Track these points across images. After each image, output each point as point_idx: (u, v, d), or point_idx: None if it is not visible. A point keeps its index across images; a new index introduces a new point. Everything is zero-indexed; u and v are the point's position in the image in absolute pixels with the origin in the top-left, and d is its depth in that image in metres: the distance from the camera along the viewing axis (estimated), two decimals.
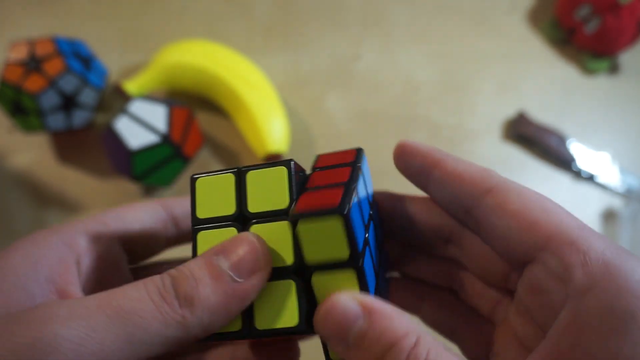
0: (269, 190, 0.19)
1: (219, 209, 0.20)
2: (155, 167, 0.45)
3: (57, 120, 0.46)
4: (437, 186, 0.21)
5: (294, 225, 0.18)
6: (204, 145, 0.51)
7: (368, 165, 0.23)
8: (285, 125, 0.50)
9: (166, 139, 0.44)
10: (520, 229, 0.18)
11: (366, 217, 0.20)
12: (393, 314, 0.17)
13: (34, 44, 0.46)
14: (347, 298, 0.18)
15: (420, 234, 0.23)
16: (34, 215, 0.49)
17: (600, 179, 0.53)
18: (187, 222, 0.23)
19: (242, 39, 0.56)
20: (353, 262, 0.18)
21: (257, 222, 0.19)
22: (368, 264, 0.19)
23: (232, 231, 0.19)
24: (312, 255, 0.18)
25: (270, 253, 0.19)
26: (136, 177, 0.45)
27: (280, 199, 0.19)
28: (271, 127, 0.49)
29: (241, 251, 0.18)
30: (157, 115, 0.44)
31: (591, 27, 0.55)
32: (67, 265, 0.19)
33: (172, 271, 0.18)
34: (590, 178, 0.53)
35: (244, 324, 0.19)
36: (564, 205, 0.19)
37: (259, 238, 0.19)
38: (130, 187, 0.50)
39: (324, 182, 0.20)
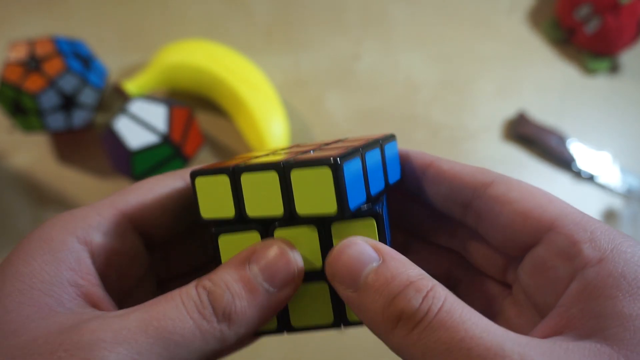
0: (316, 192, 0.18)
1: (263, 210, 0.19)
2: (155, 167, 0.45)
3: (57, 120, 0.46)
4: (432, 185, 0.21)
5: (285, 175, 0.18)
6: (204, 145, 0.51)
7: (397, 152, 0.22)
8: (285, 125, 0.50)
9: (166, 139, 0.44)
10: (526, 214, 0.19)
11: (374, 189, 0.20)
12: (407, 261, 0.17)
13: (33, 43, 0.46)
14: (362, 241, 0.18)
15: (442, 195, 0.22)
16: (34, 215, 0.49)
17: (601, 179, 0.53)
18: None
19: (242, 39, 0.56)
20: (372, 212, 0.19)
21: (280, 226, 0.19)
22: (387, 225, 0.19)
23: (255, 236, 0.19)
24: (302, 207, 0.18)
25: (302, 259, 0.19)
26: (136, 177, 0.45)
27: (327, 202, 0.18)
28: (271, 127, 0.49)
29: (275, 261, 0.18)
30: (157, 115, 0.44)
31: (591, 27, 0.55)
32: (87, 266, 0.18)
33: (207, 284, 0.17)
34: (590, 178, 0.53)
35: (280, 323, 0.20)
36: None
37: (291, 246, 0.19)
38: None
39: (337, 147, 0.20)
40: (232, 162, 0.20)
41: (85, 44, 0.50)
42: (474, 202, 0.20)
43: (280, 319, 0.20)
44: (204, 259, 0.25)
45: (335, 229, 0.19)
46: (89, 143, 0.51)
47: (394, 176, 0.22)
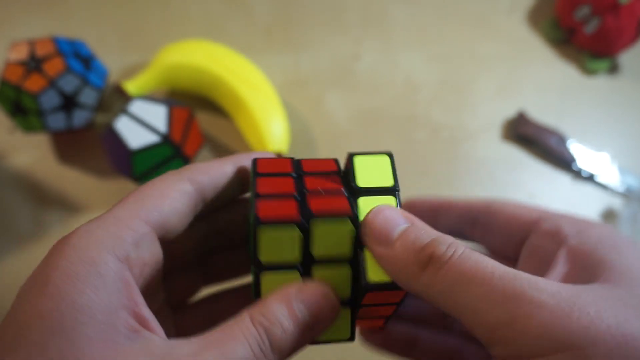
0: (334, 237, 0.21)
1: (283, 255, 0.21)
2: (156, 167, 0.45)
3: (57, 120, 0.46)
4: (445, 219, 0.26)
5: (305, 227, 0.21)
6: (204, 145, 0.51)
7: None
8: (285, 125, 0.50)
9: (166, 139, 0.44)
10: (517, 215, 0.24)
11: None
12: (429, 226, 0.21)
13: (34, 44, 0.46)
14: (392, 207, 0.21)
15: (454, 219, 0.27)
16: (34, 215, 0.49)
17: (600, 179, 0.53)
18: (212, 193, 0.23)
19: (242, 39, 0.56)
20: (393, 191, 0.22)
21: (318, 264, 0.21)
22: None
23: (295, 275, 0.21)
24: (319, 250, 0.21)
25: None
26: (136, 177, 0.45)
27: (344, 246, 0.21)
28: (271, 127, 0.49)
29: (321, 304, 0.20)
30: (157, 115, 0.44)
31: (591, 27, 0.55)
32: (131, 286, 0.19)
33: (264, 322, 0.19)
34: (590, 178, 0.53)
35: None
36: (564, 205, 0.25)
37: (332, 292, 0.21)
38: (130, 187, 0.50)
39: (322, 186, 0.23)
40: (285, 203, 0.22)
41: (85, 44, 0.50)
42: (480, 219, 0.25)
43: None
44: (205, 251, 0.26)
45: (361, 201, 0.22)
46: (89, 143, 0.51)
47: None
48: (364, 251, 0.21)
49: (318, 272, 0.21)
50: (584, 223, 0.21)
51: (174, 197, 0.22)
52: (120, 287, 0.18)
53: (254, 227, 0.20)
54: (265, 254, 0.21)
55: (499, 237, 0.24)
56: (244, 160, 0.24)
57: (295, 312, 0.19)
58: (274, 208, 0.21)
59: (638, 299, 0.17)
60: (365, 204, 0.22)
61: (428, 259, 0.19)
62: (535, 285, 0.17)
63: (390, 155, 0.23)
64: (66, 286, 0.17)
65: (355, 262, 0.22)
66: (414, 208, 0.27)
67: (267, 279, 0.21)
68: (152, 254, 0.21)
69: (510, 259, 0.24)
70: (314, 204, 0.21)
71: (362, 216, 0.22)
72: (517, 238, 0.23)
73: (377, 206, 0.21)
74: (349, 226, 0.21)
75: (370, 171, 0.23)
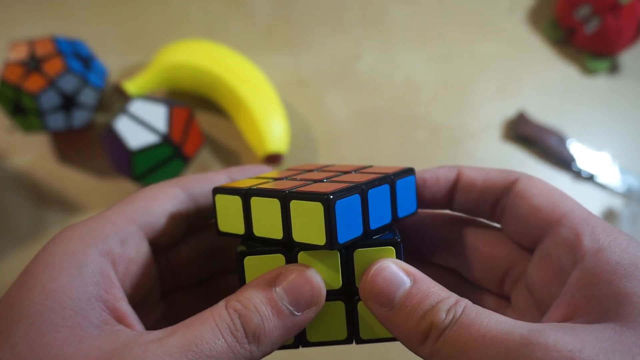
0: (310, 223, 0.20)
1: (267, 232, 0.21)
2: (155, 167, 0.45)
3: (57, 120, 0.46)
4: (464, 194, 0.24)
5: (286, 203, 0.20)
6: (204, 145, 0.51)
7: (414, 187, 0.23)
8: (285, 125, 0.50)
9: (166, 139, 0.44)
10: (540, 208, 0.21)
11: (376, 224, 0.21)
12: (432, 281, 0.19)
13: (34, 43, 0.46)
14: (393, 264, 0.20)
15: (474, 200, 0.24)
16: (34, 215, 0.49)
17: (600, 179, 0.53)
18: (206, 201, 0.23)
19: (242, 39, 0.56)
20: (392, 241, 0.20)
21: (303, 250, 0.20)
22: (402, 252, 0.21)
23: (279, 258, 0.20)
24: (298, 235, 0.20)
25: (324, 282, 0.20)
26: (136, 177, 0.45)
27: (318, 234, 0.19)
28: (271, 127, 0.49)
29: (300, 286, 0.19)
30: (157, 115, 0.44)
31: (591, 27, 0.55)
32: (111, 279, 0.19)
33: (238, 305, 0.18)
34: (590, 178, 0.53)
35: (296, 338, 0.21)
36: None
37: (315, 272, 0.20)
38: (130, 187, 0.50)
39: (347, 179, 0.21)
40: (249, 183, 0.22)
41: (85, 44, 0.50)
42: (502, 200, 0.23)
43: (297, 334, 0.21)
44: (208, 270, 0.25)
45: (357, 254, 0.20)
46: (89, 143, 0.51)
47: (407, 209, 0.23)
48: (357, 304, 0.21)
49: (304, 258, 0.20)
50: (606, 238, 0.19)
51: (163, 199, 0.22)
52: (98, 279, 0.18)
53: (213, 196, 0.21)
54: (222, 223, 0.21)
55: (517, 226, 0.22)
56: (238, 173, 0.24)
57: (274, 298, 0.19)
58: (236, 184, 0.22)
59: None
60: (361, 257, 0.20)
61: (429, 327, 0.18)
62: (528, 341, 0.16)
63: (325, 205, 0.19)
64: (42, 275, 0.17)
65: (345, 249, 0.20)
66: (426, 185, 0.24)
67: (250, 264, 0.20)
68: (138, 252, 0.21)
69: (526, 249, 0.22)
70: (281, 184, 0.21)
71: (358, 272, 0.20)
72: (534, 233, 0.21)
73: (377, 263, 0.20)
74: (320, 210, 0.19)
75: (306, 222, 0.20)
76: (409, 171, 0.23)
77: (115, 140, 0.44)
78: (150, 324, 0.19)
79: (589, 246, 0.19)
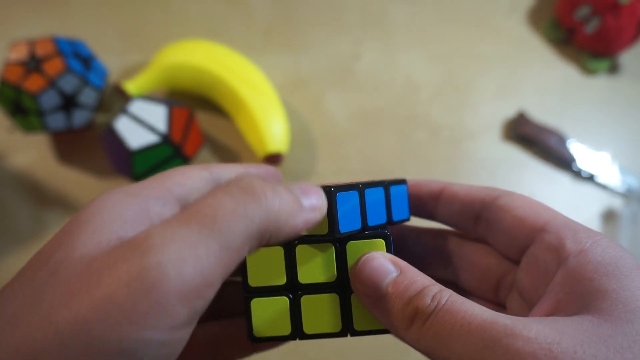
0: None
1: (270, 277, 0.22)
2: (156, 167, 0.45)
3: (57, 120, 0.46)
4: (446, 204, 0.25)
5: None
6: (204, 145, 0.51)
7: (406, 196, 0.25)
8: (285, 125, 0.50)
9: (166, 139, 0.44)
10: (523, 218, 0.22)
11: (373, 222, 0.23)
12: (418, 271, 0.20)
13: (34, 43, 0.46)
14: (381, 255, 0.21)
15: (456, 212, 0.25)
16: (34, 215, 0.49)
17: (600, 179, 0.53)
18: None
19: (242, 39, 0.56)
20: (381, 234, 0.22)
21: (300, 243, 0.22)
22: (392, 249, 0.22)
23: (283, 301, 0.22)
24: None
25: (309, 278, 0.22)
26: (136, 177, 0.45)
27: (322, 223, 0.21)
28: (271, 127, 0.49)
29: (309, 186, 0.20)
30: (157, 115, 0.44)
31: (591, 27, 0.55)
32: (145, 227, 0.19)
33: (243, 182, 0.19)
34: (590, 178, 0.53)
35: (293, 329, 0.22)
36: (564, 205, 0.23)
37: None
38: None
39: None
40: None
41: (85, 44, 0.50)
42: (484, 214, 0.24)
43: (294, 326, 0.22)
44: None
45: (350, 246, 0.22)
46: (89, 143, 0.51)
47: (400, 215, 0.24)
48: (351, 296, 0.22)
49: (301, 251, 0.22)
50: (588, 240, 0.20)
51: (194, 178, 0.22)
52: (135, 223, 0.18)
53: None
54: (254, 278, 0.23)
55: (502, 239, 0.23)
56: (254, 170, 0.24)
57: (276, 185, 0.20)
58: None
59: (623, 337, 0.17)
60: (353, 249, 0.22)
61: (414, 313, 0.19)
62: (511, 332, 0.17)
63: (327, 196, 0.21)
64: (90, 215, 0.18)
65: (338, 241, 0.22)
66: (418, 190, 0.25)
67: (257, 304, 0.22)
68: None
69: (513, 261, 0.23)
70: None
71: (351, 263, 0.22)
72: (520, 243, 0.22)
73: (365, 255, 0.21)
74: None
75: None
76: (402, 181, 0.25)
77: (115, 140, 0.44)
78: None
79: (572, 248, 0.20)
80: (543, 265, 0.21)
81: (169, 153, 0.44)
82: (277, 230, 0.18)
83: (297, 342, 0.23)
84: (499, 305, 0.24)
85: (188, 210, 0.17)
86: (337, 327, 0.22)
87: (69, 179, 0.50)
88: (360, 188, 0.22)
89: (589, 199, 0.53)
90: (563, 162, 0.53)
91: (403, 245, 0.27)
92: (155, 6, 0.57)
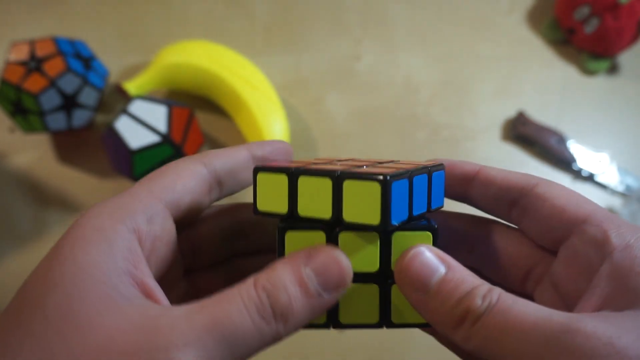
0: (363, 203, 0.20)
1: (313, 211, 0.21)
2: (156, 167, 0.45)
3: (57, 120, 0.46)
4: (481, 188, 0.24)
5: (338, 183, 0.20)
6: (204, 145, 0.51)
7: (443, 182, 0.24)
8: (285, 126, 0.50)
9: (166, 139, 0.44)
10: (563, 209, 0.22)
11: (417, 210, 0.22)
12: (466, 269, 0.20)
13: (34, 44, 0.46)
14: (428, 249, 0.20)
15: (491, 196, 0.24)
16: (34, 215, 0.49)
17: (600, 178, 0.53)
18: (227, 177, 0.23)
19: (242, 39, 0.56)
20: (429, 227, 0.21)
21: (344, 229, 0.21)
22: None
23: (320, 236, 0.21)
24: (349, 215, 0.20)
25: (353, 266, 0.20)
26: (136, 177, 0.45)
27: (371, 213, 0.20)
28: (271, 127, 0.49)
29: (329, 266, 0.19)
30: (157, 115, 0.44)
31: (590, 28, 0.55)
32: (138, 255, 0.19)
33: (267, 285, 0.18)
34: (589, 178, 0.53)
35: (329, 318, 0.21)
36: None
37: (345, 256, 0.20)
38: (130, 187, 0.50)
39: (390, 166, 0.22)
40: (293, 165, 0.22)
41: (85, 44, 0.50)
42: (521, 200, 0.23)
43: (329, 315, 0.21)
44: (227, 252, 0.26)
45: (395, 237, 0.21)
46: (90, 143, 0.51)
47: (437, 202, 0.23)
48: (392, 288, 0.21)
49: (344, 238, 0.21)
50: (633, 235, 0.20)
51: (186, 176, 0.22)
52: (127, 255, 0.18)
53: (254, 175, 0.21)
54: (261, 202, 0.21)
55: (539, 227, 0.22)
56: (258, 149, 0.24)
57: (303, 277, 0.19)
58: (277, 164, 0.22)
59: None
60: (399, 241, 0.21)
61: (465, 313, 0.18)
62: (568, 328, 0.16)
63: (382, 184, 0.20)
64: (73, 248, 0.18)
65: (384, 233, 0.21)
66: (452, 172, 0.24)
67: (291, 239, 0.21)
68: (164, 230, 0.21)
69: (546, 251, 0.23)
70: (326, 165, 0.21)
71: (395, 255, 0.21)
72: (558, 233, 0.22)
73: (412, 248, 0.20)
74: (377, 190, 0.19)
75: (359, 202, 0.20)
76: (440, 166, 0.24)
77: (115, 140, 0.44)
78: (174, 302, 0.20)
79: (617, 242, 0.19)
80: (585, 259, 0.20)
81: (169, 153, 0.44)
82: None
83: (296, 343, 0.23)
84: (525, 296, 0.24)
85: (213, 311, 0.17)
86: (374, 319, 0.22)
87: (69, 179, 0.50)
88: (410, 176, 0.21)
89: (589, 198, 0.53)
90: (563, 162, 0.53)
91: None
92: (155, 6, 0.57)
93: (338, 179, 0.20)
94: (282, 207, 0.21)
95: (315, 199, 0.20)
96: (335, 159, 0.25)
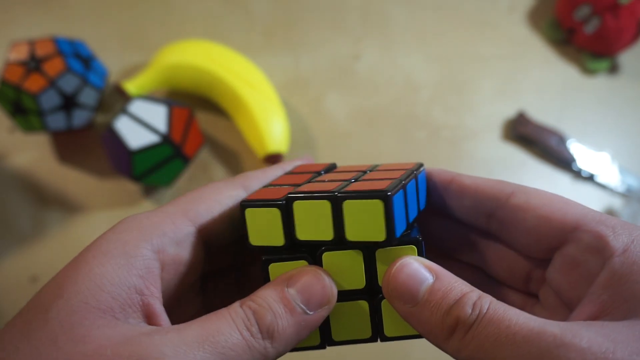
0: (366, 221, 0.20)
1: (313, 234, 0.21)
2: (156, 167, 0.45)
3: (57, 120, 0.46)
4: (455, 198, 0.23)
5: (337, 204, 0.19)
6: (204, 145, 0.51)
7: (425, 181, 0.24)
8: (285, 125, 0.50)
9: (166, 139, 0.44)
10: (550, 217, 0.21)
11: (412, 217, 0.21)
12: (455, 277, 0.20)
13: (34, 44, 0.46)
14: (415, 261, 0.20)
15: (466, 207, 0.24)
16: (34, 215, 0.49)
17: (600, 178, 0.53)
18: None
19: (242, 39, 0.56)
20: (413, 239, 0.20)
21: (327, 250, 0.21)
22: (423, 249, 0.21)
23: (303, 263, 0.21)
24: (352, 234, 0.20)
25: (337, 285, 0.21)
26: (136, 177, 0.45)
27: (375, 230, 0.20)
28: (271, 127, 0.49)
29: (311, 285, 0.20)
30: (157, 115, 0.44)
31: (591, 27, 0.55)
32: (153, 275, 0.19)
33: (252, 304, 0.19)
34: (590, 178, 0.53)
35: (322, 338, 0.21)
36: None
37: (327, 274, 0.20)
38: (130, 187, 0.50)
39: (377, 177, 0.21)
40: (281, 189, 0.21)
41: (85, 44, 0.50)
42: (498, 212, 0.22)
43: (322, 334, 0.21)
44: (240, 258, 0.26)
45: (379, 254, 0.21)
46: (89, 143, 0.51)
47: (424, 203, 0.23)
48: (381, 302, 0.21)
49: (327, 259, 0.21)
50: (631, 237, 0.19)
51: (225, 202, 0.22)
52: (142, 273, 0.19)
53: (241, 211, 0.21)
54: (254, 237, 0.21)
55: (524, 239, 0.22)
56: (290, 167, 0.24)
57: (287, 296, 0.19)
58: (264, 193, 0.21)
59: None
60: (383, 256, 0.21)
61: (455, 322, 0.18)
62: (561, 342, 0.16)
63: (385, 201, 0.20)
64: (92, 259, 0.18)
65: (366, 248, 0.21)
66: (430, 178, 0.24)
67: (275, 270, 0.21)
68: (192, 255, 0.21)
69: (536, 260, 0.22)
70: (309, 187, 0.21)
71: (381, 269, 0.21)
72: (548, 243, 0.21)
73: (399, 260, 0.20)
74: (380, 207, 0.19)
75: (361, 220, 0.20)
76: (421, 166, 0.23)
77: (115, 140, 0.44)
78: (188, 317, 0.20)
79: (615, 246, 0.19)
80: (584, 266, 0.20)
81: (169, 153, 0.44)
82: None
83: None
84: (531, 295, 0.23)
85: (203, 326, 0.18)
86: (367, 334, 0.22)
87: (69, 179, 0.50)
88: (403, 185, 0.20)
89: (589, 198, 0.53)
90: (563, 162, 0.53)
91: (428, 227, 0.25)
92: (155, 6, 0.57)
93: (337, 200, 0.19)
94: (277, 240, 0.21)
95: (314, 222, 0.20)
96: (308, 169, 0.24)
